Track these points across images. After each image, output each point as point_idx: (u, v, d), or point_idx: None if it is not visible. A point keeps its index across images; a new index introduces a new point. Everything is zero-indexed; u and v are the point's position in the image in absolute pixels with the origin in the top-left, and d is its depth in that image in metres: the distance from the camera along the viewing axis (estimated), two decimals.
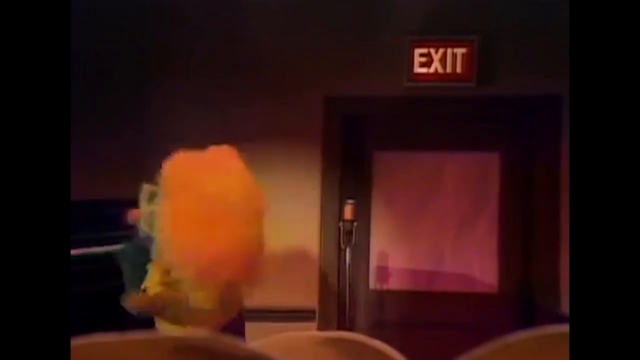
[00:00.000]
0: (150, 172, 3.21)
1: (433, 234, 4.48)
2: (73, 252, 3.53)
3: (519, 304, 4.36)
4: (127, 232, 3.20)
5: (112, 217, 3.40)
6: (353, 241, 4.04)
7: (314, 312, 4.40)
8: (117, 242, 3.39)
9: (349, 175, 4.48)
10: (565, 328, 0.93)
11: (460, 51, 4.35)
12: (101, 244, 3.69)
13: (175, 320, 2.97)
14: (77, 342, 0.80)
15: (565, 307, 4.24)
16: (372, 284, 4.53)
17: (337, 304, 4.35)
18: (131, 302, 3.00)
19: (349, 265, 4.07)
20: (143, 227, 2.90)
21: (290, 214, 4.40)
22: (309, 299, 4.41)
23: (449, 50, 4.36)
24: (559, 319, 4.51)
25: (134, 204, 3.40)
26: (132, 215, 3.04)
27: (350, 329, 4.07)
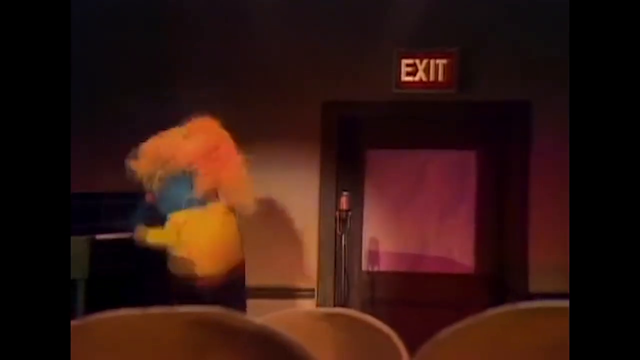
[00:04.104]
0: None
1: (418, 222, 4.48)
2: (104, 236, 3.52)
3: (493, 283, 4.36)
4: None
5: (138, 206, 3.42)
6: (348, 228, 4.04)
7: (313, 291, 4.39)
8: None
9: (345, 170, 4.47)
10: (532, 304, 0.92)
11: (442, 62, 4.34)
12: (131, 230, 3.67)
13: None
14: (103, 315, 0.80)
15: (533, 286, 4.24)
16: (365, 266, 4.52)
17: (333, 283, 4.35)
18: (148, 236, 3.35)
19: (344, 249, 4.06)
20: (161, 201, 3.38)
21: (293, 204, 4.40)
22: (308, 279, 4.41)
23: (432, 61, 4.34)
24: (527, 297, 4.52)
25: None
26: (148, 197, 3.43)
27: (345, 306, 4.07)
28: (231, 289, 3.32)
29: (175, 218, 3.34)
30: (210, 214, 3.35)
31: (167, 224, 3.36)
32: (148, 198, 3.41)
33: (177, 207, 3.34)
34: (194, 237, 3.28)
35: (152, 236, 3.37)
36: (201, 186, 3.32)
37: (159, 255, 3.37)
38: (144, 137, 3.46)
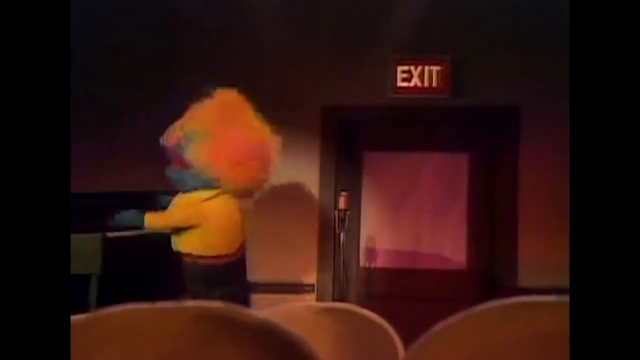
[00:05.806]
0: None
1: (413, 221, 4.48)
2: (116, 234, 3.50)
3: (484, 279, 4.36)
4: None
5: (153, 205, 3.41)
6: (346, 227, 4.03)
7: (312, 286, 4.39)
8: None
9: (343, 171, 4.47)
10: (522, 299, 0.92)
11: (436, 68, 4.34)
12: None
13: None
14: (111, 310, 0.79)
15: (522, 281, 4.24)
16: (362, 262, 4.52)
17: (332, 279, 4.34)
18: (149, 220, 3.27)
19: (342, 246, 4.06)
20: (180, 149, 3.24)
21: (294, 204, 4.39)
22: (309, 275, 4.40)
23: (427, 68, 4.34)
24: (517, 292, 4.52)
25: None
26: (169, 138, 3.29)
27: (344, 301, 4.06)
28: (239, 266, 3.31)
29: (189, 199, 3.26)
30: (222, 196, 3.27)
31: (173, 207, 3.29)
32: (169, 139, 3.29)
33: (190, 189, 3.25)
34: (212, 218, 3.21)
35: (158, 220, 3.26)
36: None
37: (168, 252, 3.36)
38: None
